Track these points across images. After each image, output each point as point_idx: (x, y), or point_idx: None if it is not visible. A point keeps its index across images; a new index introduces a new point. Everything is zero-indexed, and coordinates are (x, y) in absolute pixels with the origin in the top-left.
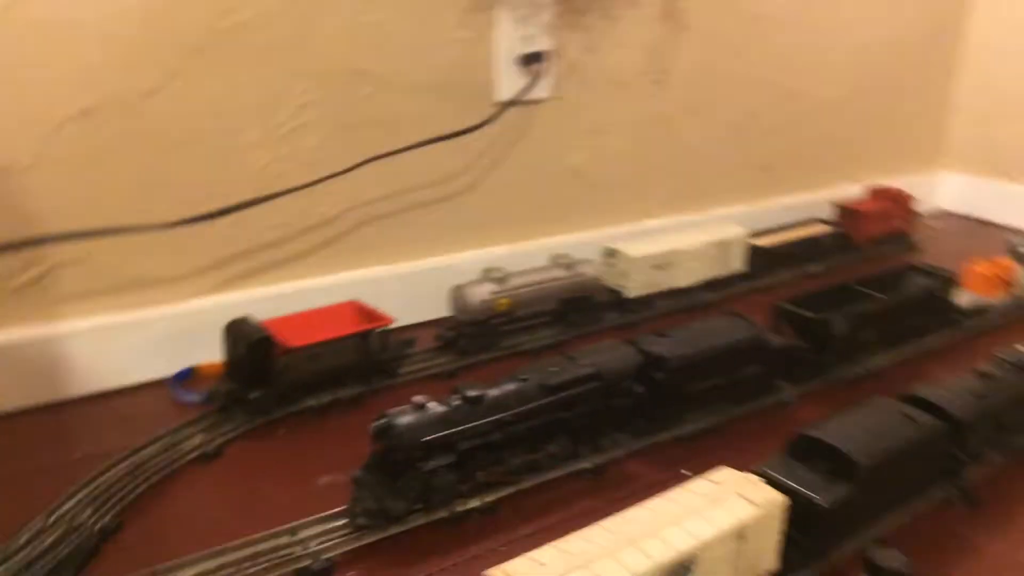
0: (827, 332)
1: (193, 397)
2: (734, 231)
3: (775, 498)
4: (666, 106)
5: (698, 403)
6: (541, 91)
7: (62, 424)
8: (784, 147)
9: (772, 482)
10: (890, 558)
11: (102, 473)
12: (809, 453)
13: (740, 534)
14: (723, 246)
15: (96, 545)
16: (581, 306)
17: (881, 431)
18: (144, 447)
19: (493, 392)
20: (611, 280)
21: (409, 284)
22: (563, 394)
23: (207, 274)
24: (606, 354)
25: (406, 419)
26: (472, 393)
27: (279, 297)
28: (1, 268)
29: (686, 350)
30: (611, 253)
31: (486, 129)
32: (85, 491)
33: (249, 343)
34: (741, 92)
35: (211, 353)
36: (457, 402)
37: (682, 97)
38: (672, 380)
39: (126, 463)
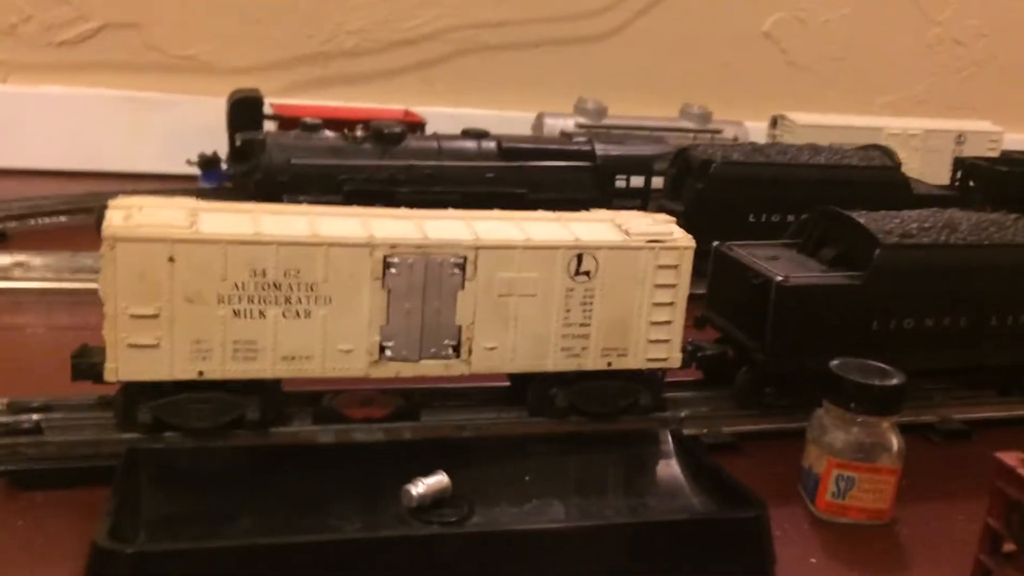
0: None
1: (212, 182)
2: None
3: (672, 236)
4: None
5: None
6: None
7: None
8: None
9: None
10: None
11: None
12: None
13: (582, 266)
14: (961, 138)
15: None
16: None
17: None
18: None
19: (426, 142)
20: None
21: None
22: (523, 164)
23: (270, 73)
24: (629, 143)
25: (282, 139)
26: (391, 131)
27: None
28: (53, 16)
29: (746, 159)
30: (776, 120)
31: None
32: None
33: (234, 101)
34: None
35: None
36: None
37: None
38: (714, 194)
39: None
